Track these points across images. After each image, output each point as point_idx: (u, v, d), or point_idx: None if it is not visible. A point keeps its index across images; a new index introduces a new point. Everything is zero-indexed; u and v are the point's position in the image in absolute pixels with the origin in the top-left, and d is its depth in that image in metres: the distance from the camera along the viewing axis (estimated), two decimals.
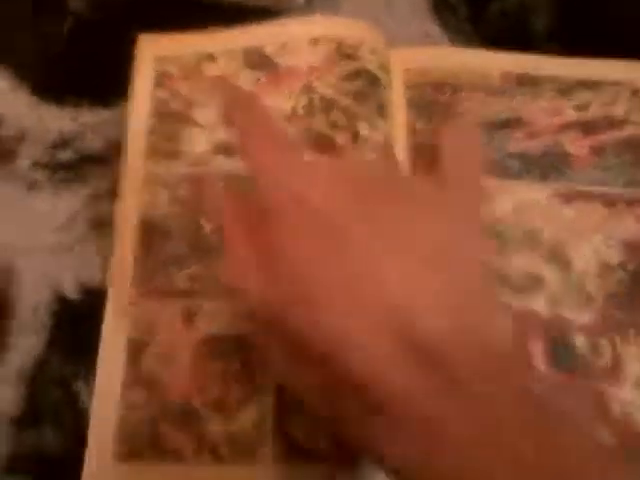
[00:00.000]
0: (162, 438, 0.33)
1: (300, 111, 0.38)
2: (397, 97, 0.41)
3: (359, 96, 0.39)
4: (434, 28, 0.45)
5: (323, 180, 0.25)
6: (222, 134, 0.39)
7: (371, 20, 0.44)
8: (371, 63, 0.40)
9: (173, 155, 0.38)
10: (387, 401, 0.22)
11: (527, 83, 0.42)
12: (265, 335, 0.26)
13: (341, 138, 0.37)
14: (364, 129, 0.38)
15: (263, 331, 0.26)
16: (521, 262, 0.37)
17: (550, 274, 0.37)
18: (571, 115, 0.42)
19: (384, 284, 0.22)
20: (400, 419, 0.22)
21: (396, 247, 0.23)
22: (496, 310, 0.24)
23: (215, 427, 0.33)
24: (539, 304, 0.37)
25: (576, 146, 0.41)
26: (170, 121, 0.39)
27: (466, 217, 0.26)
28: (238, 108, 0.28)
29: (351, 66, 0.39)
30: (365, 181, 0.25)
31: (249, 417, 0.33)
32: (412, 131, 0.40)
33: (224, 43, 0.41)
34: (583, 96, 0.43)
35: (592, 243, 0.38)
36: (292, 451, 0.32)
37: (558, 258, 0.38)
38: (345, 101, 0.38)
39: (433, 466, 0.21)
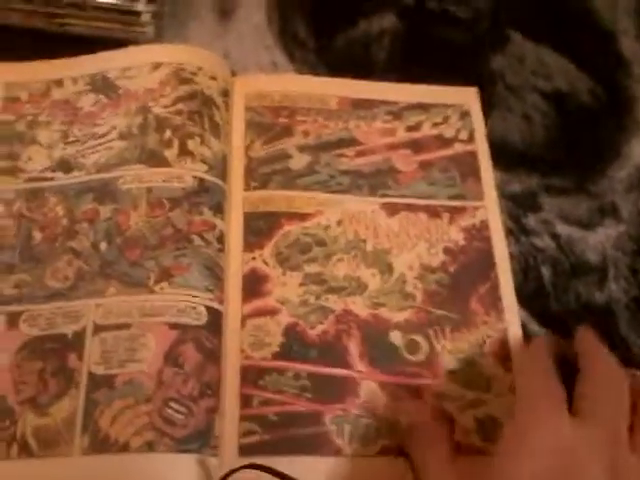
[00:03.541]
0: None
1: (135, 130, 0.41)
2: (237, 119, 0.44)
3: (193, 116, 0.41)
4: (282, 59, 0.49)
5: None
6: (61, 152, 0.41)
7: (221, 51, 0.48)
8: (209, 87, 0.43)
9: (10, 172, 0.40)
10: None
11: (362, 107, 0.46)
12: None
13: (169, 153, 0.40)
14: (194, 145, 0.40)
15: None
16: (343, 267, 0.40)
17: (370, 278, 0.40)
18: (402, 135, 0.45)
19: None
20: None
21: None
22: None
23: (27, 423, 0.34)
24: (358, 305, 0.39)
25: (404, 162, 0.44)
26: (11, 141, 0.41)
27: None
28: None
29: (187, 89, 0.42)
30: None
31: (61, 412, 0.34)
32: (249, 148, 0.43)
33: (73, 69, 0.44)
34: (415, 118, 0.46)
35: (415, 250, 0.41)
36: (101, 443, 0.33)
37: (380, 263, 0.40)
38: (178, 120, 0.41)
39: None
